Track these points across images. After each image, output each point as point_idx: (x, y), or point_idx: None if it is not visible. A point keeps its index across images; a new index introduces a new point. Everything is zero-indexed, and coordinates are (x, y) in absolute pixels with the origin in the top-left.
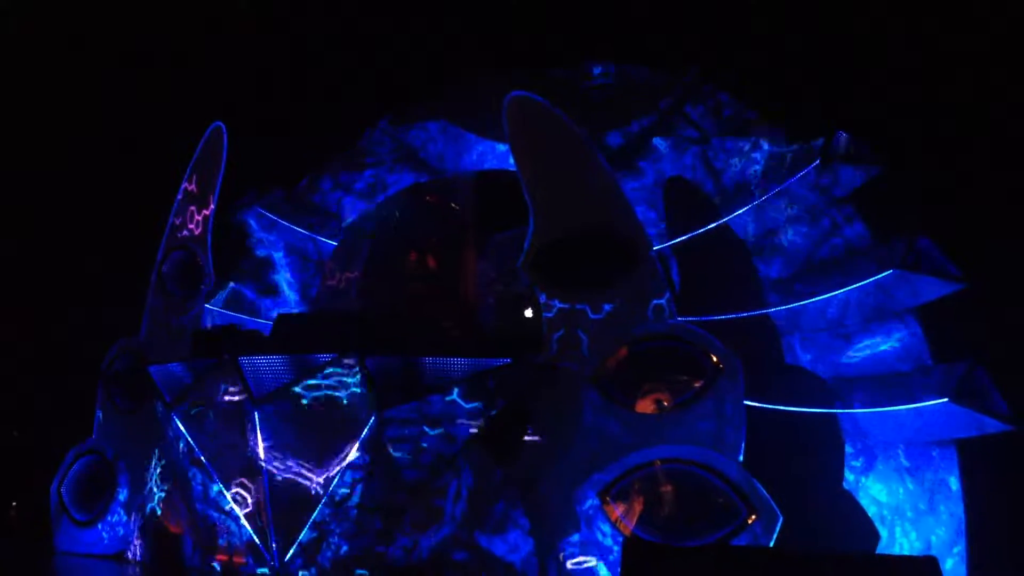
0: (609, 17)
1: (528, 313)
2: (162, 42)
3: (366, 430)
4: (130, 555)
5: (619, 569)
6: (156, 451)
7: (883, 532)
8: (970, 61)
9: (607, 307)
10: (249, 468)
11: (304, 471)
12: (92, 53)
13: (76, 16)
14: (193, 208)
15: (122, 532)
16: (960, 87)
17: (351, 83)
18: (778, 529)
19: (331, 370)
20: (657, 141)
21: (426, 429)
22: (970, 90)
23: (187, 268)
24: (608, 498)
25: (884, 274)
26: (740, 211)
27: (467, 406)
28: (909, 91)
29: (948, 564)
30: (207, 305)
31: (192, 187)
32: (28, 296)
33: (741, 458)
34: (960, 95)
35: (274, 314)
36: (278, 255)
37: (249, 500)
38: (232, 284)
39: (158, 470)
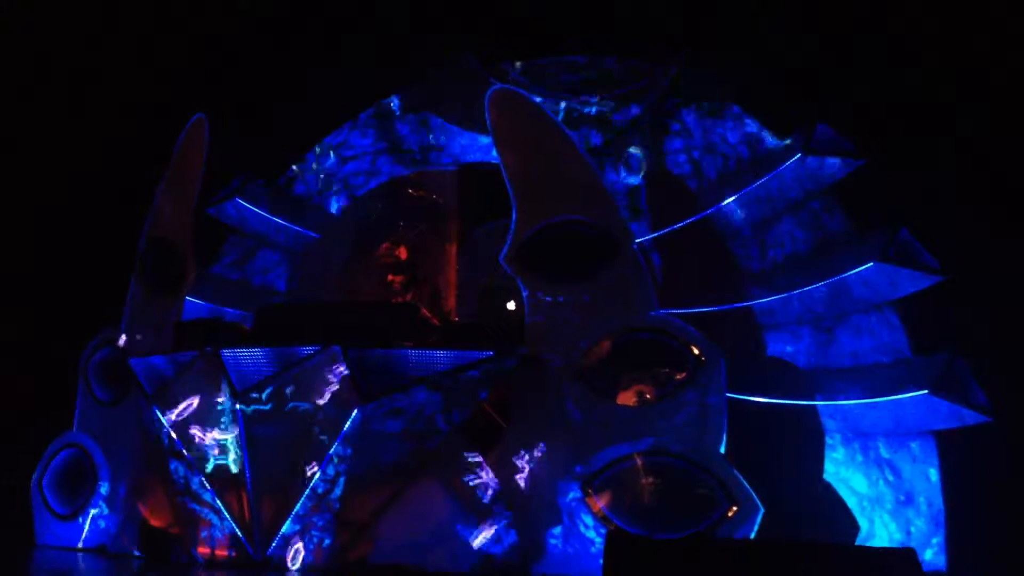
0: (592, 10)
1: (510, 305)
2: (143, 34)
3: (348, 423)
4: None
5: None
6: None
7: (863, 523)
8: (949, 53)
9: (589, 300)
10: (231, 460)
11: (287, 464)
12: (73, 45)
13: (67, 8)
14: (175, 198)
15: (103, 525)
16: (941, 78)
17: (333, 74)
18: (759, 520)
19: (314, 362)
20: (640, 134)
21: (409, 422)
22: (950, 82)
23: (168, 260)
24: (590, 490)
25: (865, 267)
26: (722, 204)
27: (450, 398)
28: (889, 83)
29: (927, 555)
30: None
31: (173, 177)
32: (7, 285)
33: (723, 450)
34: (941, 87)
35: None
36: (259, 246)
37: (230, 493)
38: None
39: None
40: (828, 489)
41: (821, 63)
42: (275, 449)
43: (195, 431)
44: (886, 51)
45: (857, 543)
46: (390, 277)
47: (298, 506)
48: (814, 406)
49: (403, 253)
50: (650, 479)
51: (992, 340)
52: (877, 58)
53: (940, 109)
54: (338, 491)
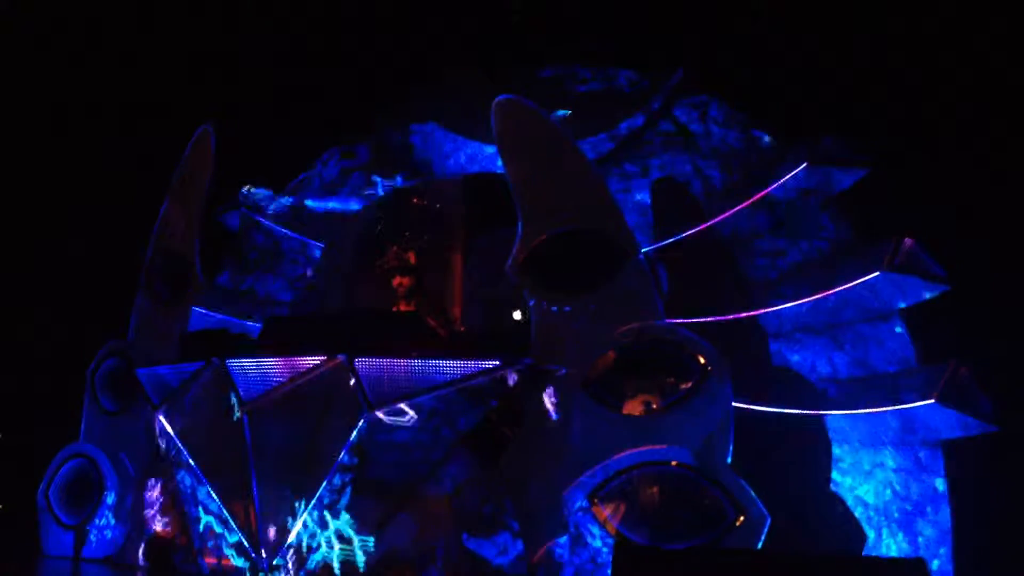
0: (595, 19)
1: (516, 315)
2: (148, 40)
3: (355, 433)
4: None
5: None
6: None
7: (870, 533)
8: (955, 61)
9: (595, 309)
10: (237, 470)
11: (293, 474)
12: (75, 49)
13: (66, 9)
14: (182, 207)
15: (110, 535)
16: (946, 87)
17: (338, 83)
18: (766, 530)
19: (320, 372)
20: (646, 143)
21: (415, 431)
22: (955, 91)
23: (175, 269)
24: (596, 500)
25: (871, 276)
26: (728, 213)
27: (457, 408)
28: (895, 91)
29: (935, 565)
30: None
31: (181, 186)
32: (15, 296)
33: (729, 460)
34: (945, 95)
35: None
36: (262, 255)
37: (237, 502)
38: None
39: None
40: (835, 499)
41: (821, 65)
42: (281, 459)
43: None
44: (896, 54)
45: (864, 553)
46: (395, 284)
47: (304, 514)
48: (820, 416)
49: (408, 262)
50: (656, 489)
51: (996, 348)
52: (886, 61)
53: (946, 114)
54: (344, 501)
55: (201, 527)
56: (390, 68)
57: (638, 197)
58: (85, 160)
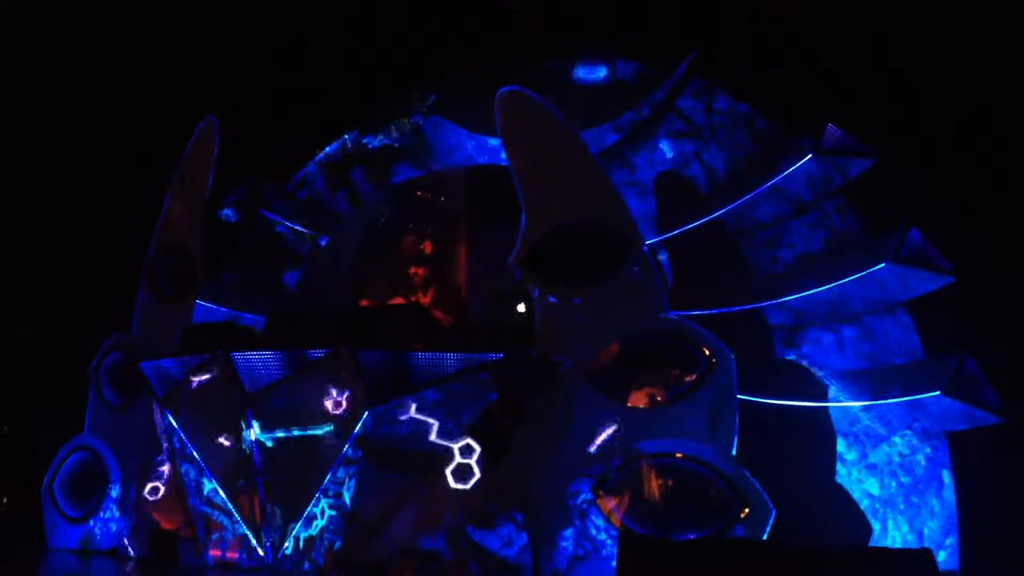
0: (601, 12)
1: (520, 308)
2: (152, 36)
3: (359, 426)
4: (123, 551)
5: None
6: None
7: (875, 525)
8: (962, 57)
9: (599, 302)
10: (242, 463)
11: (297, 467)
12: (79, 48)
13: (66, 9)
14: (184, 203)
15: (115, 528)
16: (953, 82)
17: (341, 78)
18: (771, 522)
19: (324, 365)
20: (649, 135)
21: (419, 424)
22: (962, 85)
23: (177, 264)
24: (601, 492)
25: (876, 268)
26: (733, 205)
27: (460, 401)
28: (901, 85)
29: (940, 556)
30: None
31: (183, 181)
32: (19, 292)
33: (734, 452)
34: (952, 90)
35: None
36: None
37: (242, 495)
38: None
39: None
40: (840, 491)
41: (822, 63)
42: (286, 452)
43: None
44: (901, 48)
45: (870, 545)
46: (411, 273)
47: (308, 508)
48: (826, 408)
49: (412, 255)
50: (661, 481)
51: (1002, 341)
52: (891, 55)
53: (952, 109)
54: (348, 493)
55: (206, 520)
56: (390, 68)
57: (641, 177)
58: (85, 160)
